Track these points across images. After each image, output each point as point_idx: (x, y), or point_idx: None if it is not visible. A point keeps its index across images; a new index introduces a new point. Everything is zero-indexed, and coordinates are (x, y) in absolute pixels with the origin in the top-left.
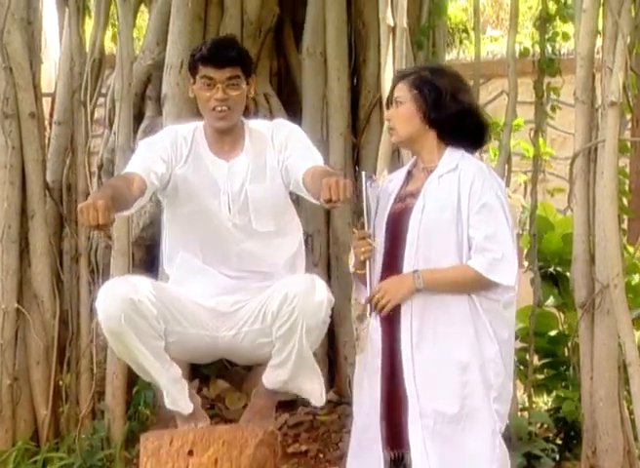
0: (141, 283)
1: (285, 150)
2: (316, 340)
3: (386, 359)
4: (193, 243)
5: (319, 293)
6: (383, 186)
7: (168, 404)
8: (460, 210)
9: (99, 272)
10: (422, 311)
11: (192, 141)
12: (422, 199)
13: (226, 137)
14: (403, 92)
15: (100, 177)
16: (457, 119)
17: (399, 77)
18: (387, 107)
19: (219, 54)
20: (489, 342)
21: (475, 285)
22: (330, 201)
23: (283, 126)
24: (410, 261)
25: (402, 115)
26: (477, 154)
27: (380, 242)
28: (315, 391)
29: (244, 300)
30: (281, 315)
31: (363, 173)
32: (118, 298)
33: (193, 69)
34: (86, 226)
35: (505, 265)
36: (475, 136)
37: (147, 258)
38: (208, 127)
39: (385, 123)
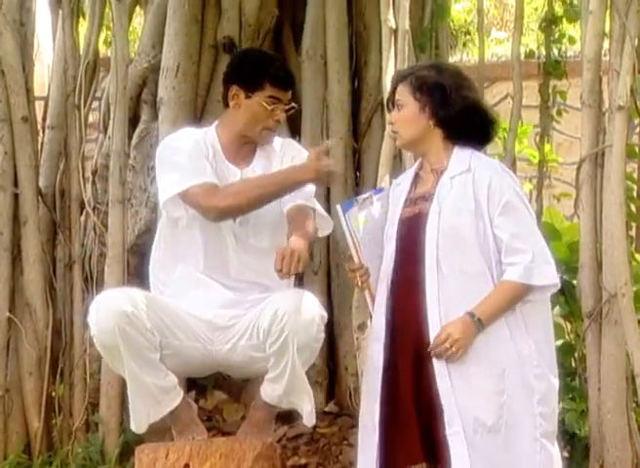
0: (135, 294)
1: None
2: (309, 358)
3: (406, 371)
4: (195, 248)
5: (310, 311)
6: (391, 191)
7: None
8: (481, 212)
9: (93, 280)
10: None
11: (209, 147)
12: (437, 203)
13: (245, 147)
14: (403, 94)
15: (94, 183)
16: (463, 116)
17: (397, 79)
18: (389, 111)
19: (287, 76)
20: (525, 345)
21: (523, 294)
22: (281, 271)
23: (292, 147)
24: (431, 269)
25: (405, 118)
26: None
27: (390, 253)
28: (306, 410)
29: (241, 315)
30: (272, 333)
31: (338, 206)
32: (111, 312)
33: (256, 85)
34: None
35: (541, 264)
36: (482, 133)
37: (142, 266)
38: (230, 134)
39: (387, 127)
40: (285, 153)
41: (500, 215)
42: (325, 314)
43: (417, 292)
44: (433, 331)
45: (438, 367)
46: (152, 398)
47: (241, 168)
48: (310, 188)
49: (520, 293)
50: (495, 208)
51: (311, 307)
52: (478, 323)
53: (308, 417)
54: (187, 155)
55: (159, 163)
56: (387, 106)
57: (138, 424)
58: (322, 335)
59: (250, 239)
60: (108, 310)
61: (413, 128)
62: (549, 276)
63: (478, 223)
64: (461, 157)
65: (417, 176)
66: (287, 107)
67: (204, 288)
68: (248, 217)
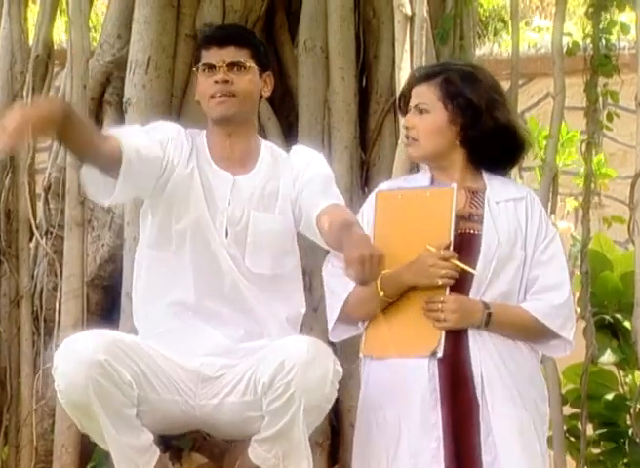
0: (109, 338)
1: (302, 177)
2: (316, 420)
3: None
4: (185, 272)
5: (323, 365)
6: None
7: None
8: (525, 244)
9: (45, 320)
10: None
11: (193, 147)
12: (492, 226)
13: (235, 148)
14: (429, 97)
15: (46, 202)
16: (491, 139)
17: (421, 77)
18: (402, 111)
19: (222, 31)
20: (542, 399)
21: (535, 334)
22: (363, 281)
23: (305, 152)
24: (476, 293)
25: (429, 126)
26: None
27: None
28: None
29: (232, 365)
30: (274, 388)
31: (454, 185)
32: (83, 362)
33: (196, 61)
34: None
35: (571, 315)
36: (508, 157)
37: (106, 302)
38: (212, 133)
39: (402, 133)
40: (294, 160)
41: (543, 253)
42: (340, 369)
43: None
44: (475, 364)
45: (482, 417)
46: (130, 461)
47: (235, 174)
48: (338, 193)
49: (533, 332)
50: (540, 243)
51: (325, 360)
52: (485, 317)
53: None
54: (146, 130)
55: None
56: (400, 105)
57: None
58: (334, 395)
59: (245, 261)
60: (78, 359)
61: (437, 140)
62: (572, 333)
63: (526, 256)
64: (499, 182)
65: None
66: (229, 62)
67: (192, 329)
68: (245, 234)
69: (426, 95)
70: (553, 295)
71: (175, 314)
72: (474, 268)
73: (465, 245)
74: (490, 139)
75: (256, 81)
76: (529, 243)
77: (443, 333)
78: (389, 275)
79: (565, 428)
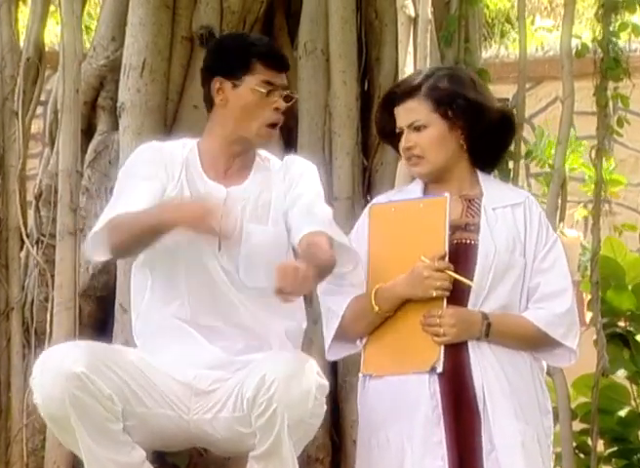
0: (90, 349)
1: (293, 190)
2: (304, 437)
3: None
4: (180, 288)
5: (305, 379)
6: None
7: None
8: (525, 251)
9: (35, 332)
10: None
11: (184, 161)
12: (490, 236)
13: (236, 161)
14: (420, 112)
15: (37, 209)
16: (496, 128)
17: (402, 95)
18: (383, 136)
19: (281, 55)
20: (545, 412)
21: (538, 343)
22: (281, 291)
23: (298, 162)
24: (475, 305)
25: (432, 140)
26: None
27: None
28: None
29: (225, 378)
30: (257, 404)
31: (447, 194)
32: (60, 375)
33: (244, 68)
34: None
35: (574, 324)
36: (503, 146)
37: (99, 314)
38: (214, 142)
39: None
40: (287, 170)
41: (543, 260)
42: (326, 383)
43: None
44: (477, 378)
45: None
46: None
47: (228, 185)
48: (326, 211)
49: (535, 341)
50: (540, 250)
51: (308, 374)
52: (484, 328)
53: None
54: (136, 175)
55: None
56: (381, 131)
57: None
58: (321, 410)
59: (240, 275)
60: (56, 372)
61: (443, 151)
62: (575, 341)
63: (526, 263)
64: (496, 187)
65: None
66: (285, 94)
67: (186, 341)
68: (238, 247)
69: (417, 110)
70: (555, 303)
71: (171, 328)
72: (471, 279)
73: (462, 255)
74: (492, 132)
75: None
76: (529, 250)
77: (442, 348)
78: (384, 289)
79: (575, 444)
